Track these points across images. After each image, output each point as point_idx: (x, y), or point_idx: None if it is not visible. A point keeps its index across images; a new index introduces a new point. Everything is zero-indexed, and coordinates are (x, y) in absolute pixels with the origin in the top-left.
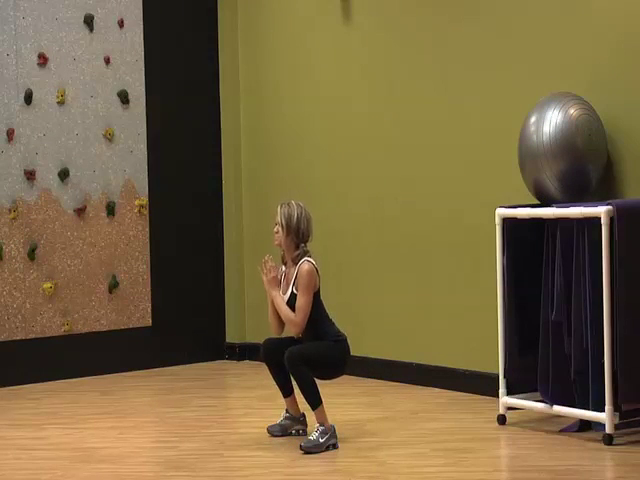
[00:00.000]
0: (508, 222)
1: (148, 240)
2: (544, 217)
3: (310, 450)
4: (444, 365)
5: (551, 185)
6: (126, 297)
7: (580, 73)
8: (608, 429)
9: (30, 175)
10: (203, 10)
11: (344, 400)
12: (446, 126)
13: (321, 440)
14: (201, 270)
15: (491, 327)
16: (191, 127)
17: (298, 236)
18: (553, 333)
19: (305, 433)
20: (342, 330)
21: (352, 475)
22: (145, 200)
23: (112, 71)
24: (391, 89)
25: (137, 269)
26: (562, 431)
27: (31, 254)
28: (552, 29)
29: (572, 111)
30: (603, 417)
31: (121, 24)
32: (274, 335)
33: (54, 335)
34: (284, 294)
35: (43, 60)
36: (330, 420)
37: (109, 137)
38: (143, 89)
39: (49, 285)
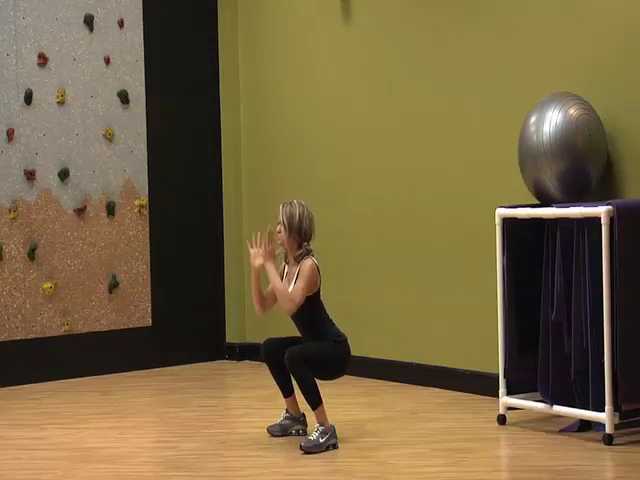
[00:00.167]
0: (508, 222)
1: (148, 240)
2: (544, 217)
3: (310, 450)
4: (444, 365)
5: (551, 185)
6: (126, 297)
7: (580, 73)
8: (608, 429)
9: (30, 175)
10: (203, 10)
11: (344, 400)
12: (446, 126)
13: (321, 440)
14: (201, 270)
15: (491, 327)
16: (191, 127)
17: (300, 235)
18: (553, 333)
19: (305, 433)
20: (342, 330)
21: (352, 475)
22: (145, 200)
23: (112, 71)
24: (391, 89)
25: (137, 269)
26: (562, 431)
27: (31, 254)
28: (552, 29)
29: (572, 111)
30: (603, 417)
31: (121, 24)
32: (258, 313)
33: (54, 335)
34: None
35: (43, 60)
36: (330, 420)
37: (109, 137)
38: (143, 89)
39: (49, 285)
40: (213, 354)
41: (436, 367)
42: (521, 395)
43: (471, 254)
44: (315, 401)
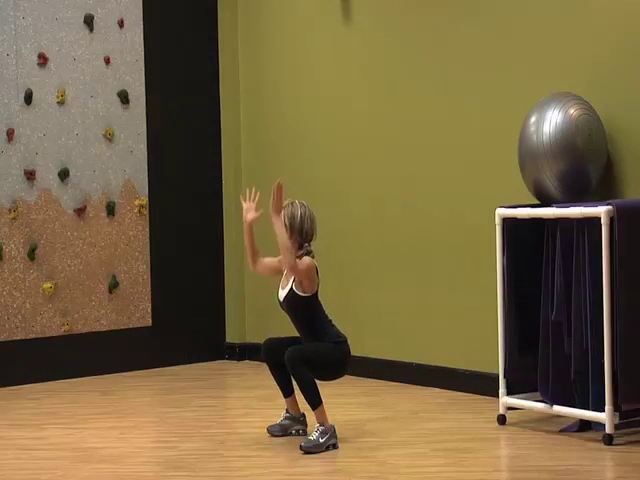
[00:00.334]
0: (508, 222)
1: (148, 240)
2: (544, 217)
3: (310, 450)
4: (444, 365)
5: (551, 185)
6: (126, 297)
7: (580, 73)
8: (608, 429)
9: (30, 175)
10: (203, 10)
11: (344, 400)
12: (446, 126)
13: (321, 440)
14: (201, 270)
15: (491, 327)
16: (191, 127)
17: (302, 235)
18: (553, 333)
19: (305, 433)
20: (343, 330)
21: (352, 475)
22: (145, 200)
23: (112, 71)
24: (391, 89)
25: (137, 269)
26: (562, 431)
27: (31, 254)
28: (552, 29)
29: (572, 111)
30: (603, 417)
31: (121, 24)
32: (251, 268)
33: (54, 335)
34: (284, 289)
35: (43, 60)
36: (330, 420)
37: (109, 137)
38: (143, 89)
39: (49, 285)
40: (213, 354)
41: (436, 367)
42: (521, 395)
43: (471, 254)
44: (315, 401)
